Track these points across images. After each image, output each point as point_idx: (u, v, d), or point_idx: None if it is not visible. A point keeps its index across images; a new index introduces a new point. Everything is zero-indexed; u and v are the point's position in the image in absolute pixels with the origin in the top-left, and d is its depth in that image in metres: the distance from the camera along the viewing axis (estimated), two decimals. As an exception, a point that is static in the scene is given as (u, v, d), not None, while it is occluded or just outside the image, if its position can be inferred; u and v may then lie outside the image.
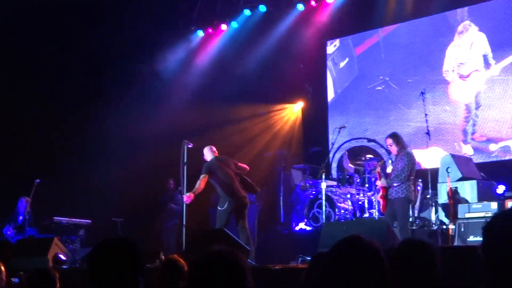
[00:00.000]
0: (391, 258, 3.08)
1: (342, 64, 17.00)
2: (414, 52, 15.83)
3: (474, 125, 14.61)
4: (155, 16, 15.70)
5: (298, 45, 16.76)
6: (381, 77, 16.28)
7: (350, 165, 12.59)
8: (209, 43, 17.24)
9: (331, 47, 17.19)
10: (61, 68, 14.94)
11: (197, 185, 10.91)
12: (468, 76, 14.82)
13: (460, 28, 15.05)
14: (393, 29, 16.25)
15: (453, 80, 15.02)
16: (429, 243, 4.00)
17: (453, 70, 15.05)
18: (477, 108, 14.61)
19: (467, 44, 14.93)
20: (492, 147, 13.99)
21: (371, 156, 13.14)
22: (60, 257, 10.26)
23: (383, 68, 16.31)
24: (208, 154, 11.32)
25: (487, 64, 14.49)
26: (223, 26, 16.77)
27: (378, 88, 16.32)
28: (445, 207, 11.46)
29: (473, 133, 14.57)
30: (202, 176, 10.92)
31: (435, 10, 15.40)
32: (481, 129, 14.48)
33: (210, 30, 17.00)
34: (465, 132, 14.73)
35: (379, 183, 10.35)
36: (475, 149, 14.30)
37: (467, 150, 14.39)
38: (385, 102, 16.12)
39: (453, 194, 11.07)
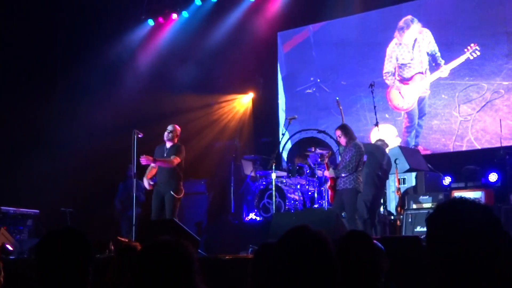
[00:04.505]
0: (337, 249, 3.12)
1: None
2: (350, 51, 14.68)
3: (417, 136, 13.45)
4: (106, 4, 15.52)
5: (249, 36, 16.73)
6: (311, 79, 15.57)
7: (297, 162, 12.70)
8: (160, 32, 17.13)
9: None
10: (9, 55, 14.67)
11: None
12: (410, 79, 13.65)
13: (401, 23, 13.79)
14: (324, 24, 15.21)
15: (393, 84, 13.82)
16: (368, 236, 4.07)
17: (394, 73, 13.82)
18: (420, 117, 13.46)
19: (410, 42, 13.67)
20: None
21: (320, 147, 13.21)
22: (7, 247, 10.13)
23: (315, 68, 15.42)
24: None
25: (436, 64, 13.33)
26: (174, 16, 16.67)
27: (308, 91, 15.61)
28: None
29: (415, 146, 13.40)
30: None
31: (375, 6, 14.51)
32: (425, 142, 13.34)
33: (160, 20, 16.89)
34: (407, 144, 13.44)
35: (327, 173, 10.45)
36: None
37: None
38: (315, 108, 15.29)
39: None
